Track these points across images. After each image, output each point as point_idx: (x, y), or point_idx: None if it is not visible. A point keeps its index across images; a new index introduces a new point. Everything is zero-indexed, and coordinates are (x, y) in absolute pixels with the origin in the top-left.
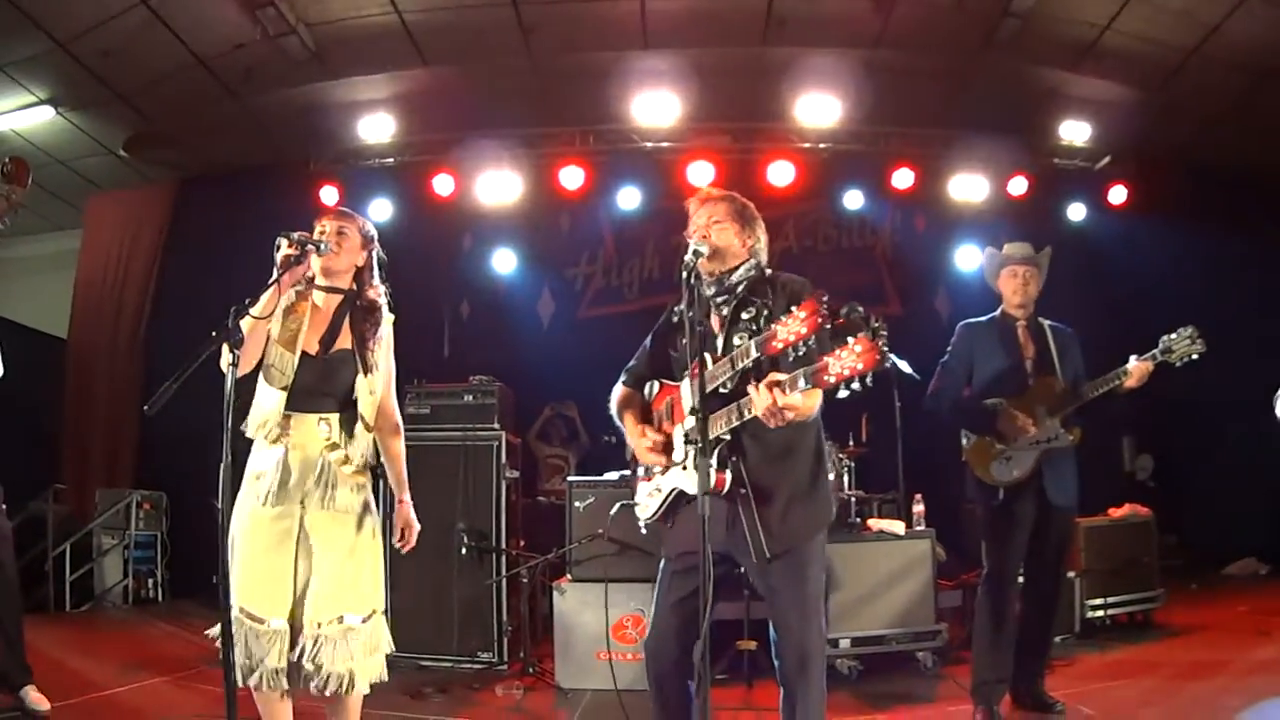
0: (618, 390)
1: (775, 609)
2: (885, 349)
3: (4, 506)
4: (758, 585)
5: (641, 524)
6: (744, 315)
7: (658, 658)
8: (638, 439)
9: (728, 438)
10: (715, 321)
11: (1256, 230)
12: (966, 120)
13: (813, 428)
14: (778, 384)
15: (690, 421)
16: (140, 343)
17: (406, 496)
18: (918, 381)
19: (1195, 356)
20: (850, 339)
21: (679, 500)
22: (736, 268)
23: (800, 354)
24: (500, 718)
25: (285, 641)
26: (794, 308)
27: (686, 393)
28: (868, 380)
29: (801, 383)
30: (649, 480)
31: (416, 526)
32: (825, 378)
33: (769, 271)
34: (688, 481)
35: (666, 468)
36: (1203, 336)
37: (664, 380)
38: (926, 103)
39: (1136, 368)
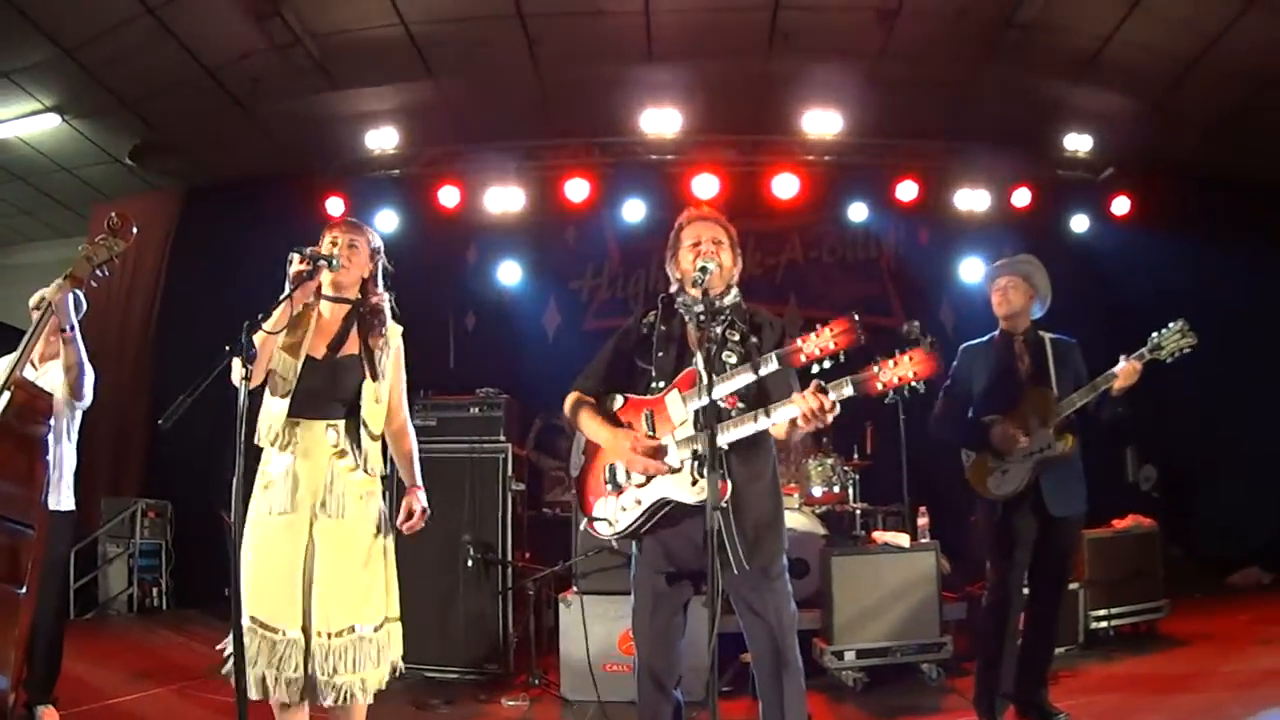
0: (576, 398)
1: (754, 620)
2: (940, 361)
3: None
4: (735, 599)
5: (611, 540)
6: (733, 337)
7: (654, 675)
8: (631, 444)
9: (724, 448)
10: (695, 339)
11: (1260, 240)
12: (970, 132)
13: (773, 458)
14: (822, 389)
15: (684, 431)
16: (146, 352)
17: (419, 486)
18: (922, 394)
19: (1187, 350)
20: (900, 351)
21: (662, 513)
22: (725, 291)
23: (825, 368)
24: None
25: (301, 651)
26: (820, 325)
27: (676, 404)
28: (920, 387)
29: (848, 389)
30: (618, 495)
31: (420, 510)
32: (876, 385)
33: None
34: (681, 490)
35: (650, 478)
36: (1195, 329)
37: (627, 393)
38: (930, 115)
39: (1124, 369)
